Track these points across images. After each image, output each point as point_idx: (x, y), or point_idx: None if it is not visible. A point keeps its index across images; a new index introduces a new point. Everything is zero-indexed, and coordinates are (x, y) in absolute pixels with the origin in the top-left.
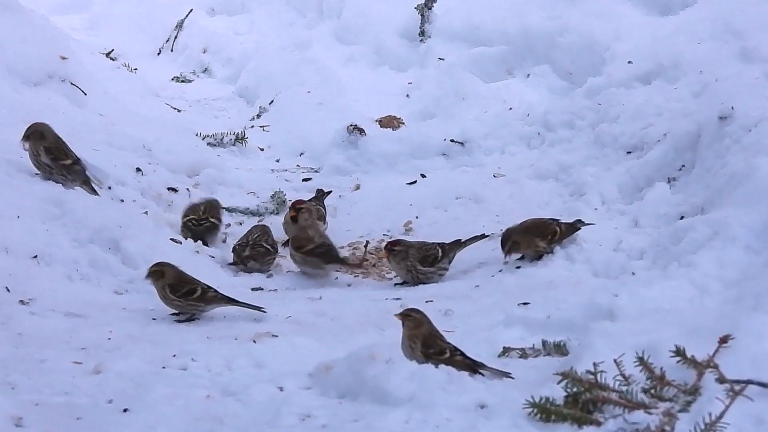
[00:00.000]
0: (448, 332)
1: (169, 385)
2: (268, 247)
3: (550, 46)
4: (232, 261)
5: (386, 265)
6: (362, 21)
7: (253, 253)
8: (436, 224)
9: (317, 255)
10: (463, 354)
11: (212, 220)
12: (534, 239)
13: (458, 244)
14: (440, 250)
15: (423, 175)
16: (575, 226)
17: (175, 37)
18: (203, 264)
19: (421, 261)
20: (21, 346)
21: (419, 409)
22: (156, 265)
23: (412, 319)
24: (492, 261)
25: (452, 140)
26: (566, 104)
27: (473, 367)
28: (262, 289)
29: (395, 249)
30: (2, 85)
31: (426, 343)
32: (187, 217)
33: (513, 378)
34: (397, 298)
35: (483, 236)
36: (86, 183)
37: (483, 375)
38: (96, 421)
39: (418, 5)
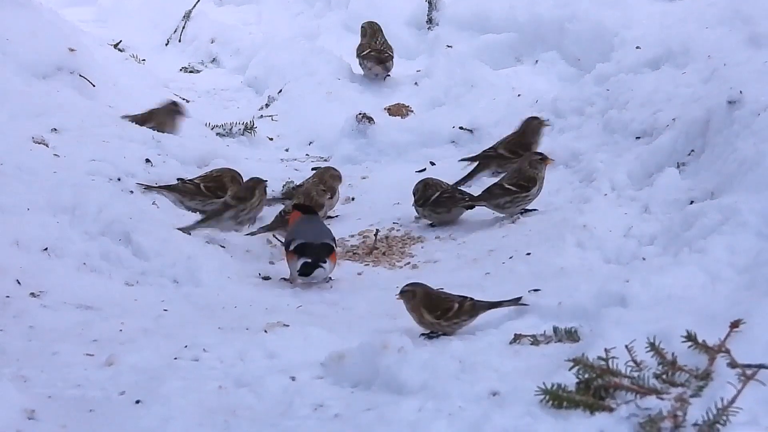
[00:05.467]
0: None
1: (182, 377)
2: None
3: (559, 33)
4: None
5: (396, 253)
6: (370, 10)
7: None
8: None
9: None
10: (472, 299)
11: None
12: None
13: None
14: None
15: (432, 163)
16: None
17: (183, 27)
18: (213, 255)
19: None
20: (33, 339)
21: (432, 398)
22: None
23: (406, 294)
24: (502, 248)
25: (461, 128)
26: (575, 91)
27: (489, 307)
28: (270, 279)
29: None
30: (14, 81)
31: (429, 308)
32: None
33: (527, 305)
34: None
35: None
36: None
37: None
38: (109, 413)
39: None
